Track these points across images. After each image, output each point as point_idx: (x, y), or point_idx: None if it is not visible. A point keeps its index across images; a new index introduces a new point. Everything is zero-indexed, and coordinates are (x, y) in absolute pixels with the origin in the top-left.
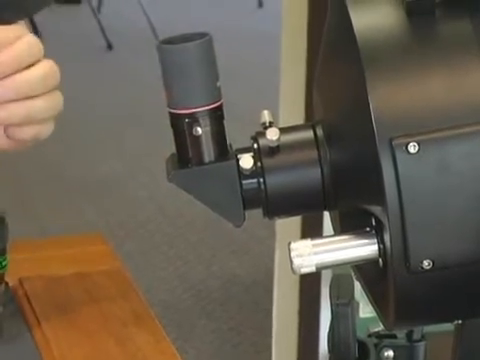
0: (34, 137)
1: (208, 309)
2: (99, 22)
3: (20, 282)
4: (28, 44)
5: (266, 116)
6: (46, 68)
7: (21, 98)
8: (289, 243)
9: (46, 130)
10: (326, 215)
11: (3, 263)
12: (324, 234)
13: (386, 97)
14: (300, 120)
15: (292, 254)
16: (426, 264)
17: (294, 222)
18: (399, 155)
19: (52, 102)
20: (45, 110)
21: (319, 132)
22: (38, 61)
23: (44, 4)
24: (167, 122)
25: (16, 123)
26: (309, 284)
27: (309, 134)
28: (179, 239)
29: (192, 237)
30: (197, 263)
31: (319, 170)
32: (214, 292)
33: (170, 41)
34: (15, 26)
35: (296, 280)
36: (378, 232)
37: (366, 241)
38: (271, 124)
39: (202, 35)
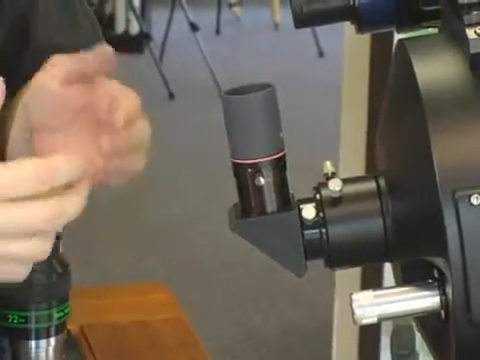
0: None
1: (266, 359)
2: (161, 71)
3: (81, 329)
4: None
5: (328, 167)
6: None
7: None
8: (351, 294)
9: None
10: (386, 265)
11: (65, 310)
12: (384, 284)
13: (449, 149)
14: (361, 170)
15: (354, 305)
16: None
17: (354, 272)
18: (462, 207)
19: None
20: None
21: (382, 183)
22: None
23: None
24: (228, 170)
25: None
26: (369, 335)
27: (372, 185)
28: (238, 287)
29: (251, 286)
30: (256, 312)
31: (381, 221)
32: (272, 341)
33: (234, 92)
34: None
35: (356, 330)
36: (440, 284)
37: (428, 293)
38: (333, 175)
39: (266, 86)
